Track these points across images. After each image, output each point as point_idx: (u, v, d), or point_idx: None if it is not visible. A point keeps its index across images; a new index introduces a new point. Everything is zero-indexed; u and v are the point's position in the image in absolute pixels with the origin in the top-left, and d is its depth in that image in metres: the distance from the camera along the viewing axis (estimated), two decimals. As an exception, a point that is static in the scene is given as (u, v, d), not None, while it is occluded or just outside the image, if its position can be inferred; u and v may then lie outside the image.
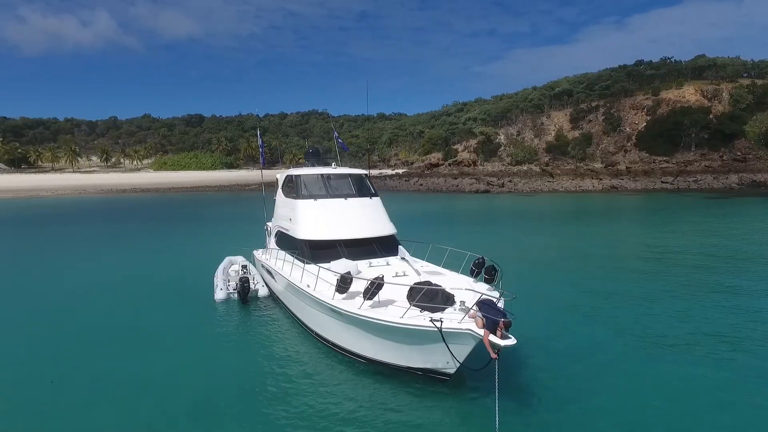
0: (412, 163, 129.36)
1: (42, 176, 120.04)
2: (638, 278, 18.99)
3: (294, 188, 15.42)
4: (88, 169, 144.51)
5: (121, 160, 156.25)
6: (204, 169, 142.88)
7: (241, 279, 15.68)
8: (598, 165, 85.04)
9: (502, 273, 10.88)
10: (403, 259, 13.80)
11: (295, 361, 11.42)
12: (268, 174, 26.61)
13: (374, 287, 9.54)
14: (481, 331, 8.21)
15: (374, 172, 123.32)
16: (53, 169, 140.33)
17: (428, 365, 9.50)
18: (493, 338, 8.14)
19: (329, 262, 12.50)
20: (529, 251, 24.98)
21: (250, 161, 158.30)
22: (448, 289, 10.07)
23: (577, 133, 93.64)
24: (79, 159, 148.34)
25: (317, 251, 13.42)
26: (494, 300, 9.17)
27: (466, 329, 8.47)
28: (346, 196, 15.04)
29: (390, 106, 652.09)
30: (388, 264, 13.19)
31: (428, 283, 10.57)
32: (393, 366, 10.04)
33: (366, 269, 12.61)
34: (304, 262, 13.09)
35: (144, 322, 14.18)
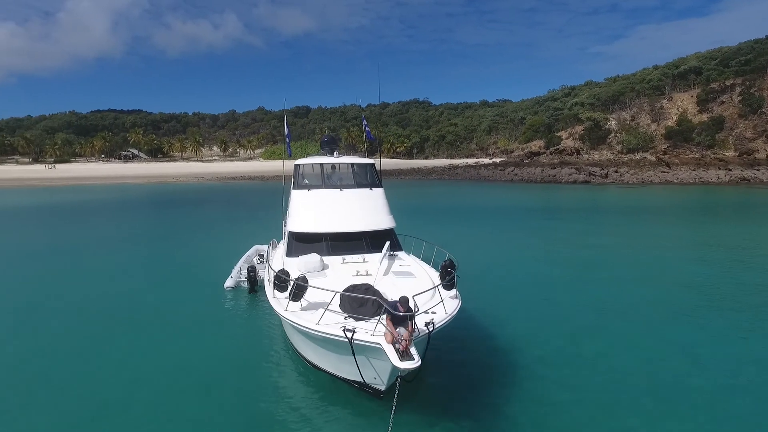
0: (512, 152, 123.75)
1: (171, 164, 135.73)
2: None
3: (294, 178, 15.06)
4: (209, 158, 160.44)
5: (237, 150, 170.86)
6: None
7: (248, 268, 15.69)
8: (730, 153, 73.78)
9: (457, 274, 10.05)
10: (392, 255, 12.70)
11: (276, 355, 11.20)
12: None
13: (294, 287, 8.99)
14: (389, 347, 7.23)
15: (470, 161, 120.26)
16: (181, 158, 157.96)
17: (357, 378, 8.49)
18: (392, 357, 7.05)
19: (326, 251, 12.38)
20: (667, 264, 19.98)
21: (351, 150, 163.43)
22: (391, 296, 9.08)
23: (705, 117, 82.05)
24: (202, 149, 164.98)
25: (301, 244, 12.92)
26: (407, 310, 7.90)
27: (376, 343, 7.46)
28: (342, 186, 14.36)
29: (494, 92, 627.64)
30: (365, 261, 12.24)
31: (367, 286, 9.53)
32: (332, 375, 9.32)
33: (338, 265, 11.89)
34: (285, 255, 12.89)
35: (154, 302, 15.04)
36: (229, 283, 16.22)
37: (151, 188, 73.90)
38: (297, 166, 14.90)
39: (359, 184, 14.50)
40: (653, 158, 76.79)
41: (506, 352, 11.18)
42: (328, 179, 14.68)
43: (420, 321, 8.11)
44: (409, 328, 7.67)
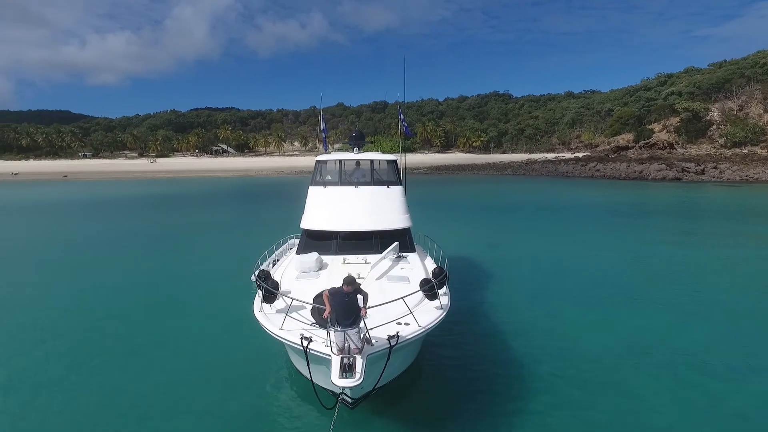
0: (596, 146, 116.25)
1: (256, 159, 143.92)
2: None
3: (313, 174, 14.89)
4: (290, 153, 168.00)
5: (317, 145, 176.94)
6: (382, 152, 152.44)
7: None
8: None
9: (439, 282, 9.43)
10: (400, 257, 12.17)
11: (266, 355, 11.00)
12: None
13: (263, 290, 9.01)
14: (337, 360, 6.87)
15: (549, 156, 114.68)
16: (265, 153, 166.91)
17: (326, 386, 8.01)
18: (334, 371, 6.62)
19: (323, 252, 12.23)
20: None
21: (426, 145, 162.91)
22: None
23: (830, 106, 71.42)
24: (284, 144, 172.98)
25: (312, 241, 12.83)
26: (352, 291, 7.55)
27: (327, 354, 7.16)
28: (357, 184, 14.03)
29: (581, 83, 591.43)
30: (366, 262, 11.84)
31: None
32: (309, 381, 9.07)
33: (338, 266, 11.61)
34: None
35: (180, 292, 16.11)
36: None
37: (236, 181, 79.11)
38: (317, 163, 14.77)
39: (377, 182, 14.15)
40: (764, 152, 68.29)
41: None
42: (346, 176, 14.43)
43: (384, 332, 7.61)
44: (358, 339, 7.16)
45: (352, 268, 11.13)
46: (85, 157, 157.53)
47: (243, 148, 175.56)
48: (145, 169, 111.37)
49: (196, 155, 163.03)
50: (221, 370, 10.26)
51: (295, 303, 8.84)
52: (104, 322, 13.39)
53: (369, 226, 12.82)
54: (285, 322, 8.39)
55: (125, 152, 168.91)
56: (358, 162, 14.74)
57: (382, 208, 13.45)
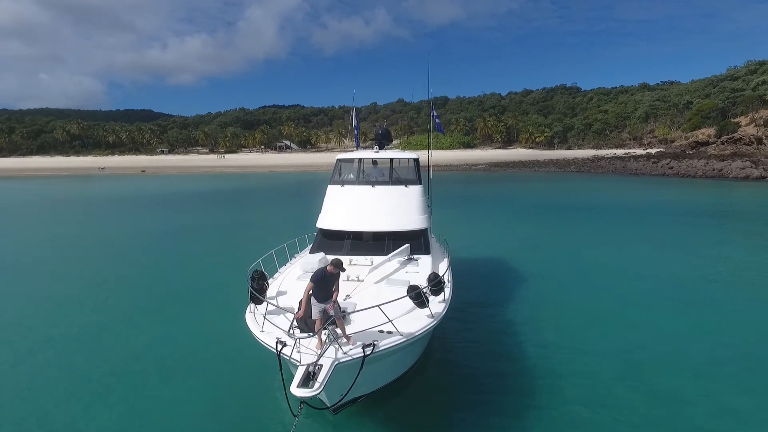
0: (672, 141, 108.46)
1: (317, 154, 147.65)
2: None
3: (333, 172, 14.68)
4: (351, 149, 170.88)
5: (340, 143, 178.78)
6: (442, 149, 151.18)
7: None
8: None
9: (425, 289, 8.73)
10: (410, 260, 11.75)
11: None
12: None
13: (249, 290, 9.03)
14: (302, 369, 6.62)
15: (618, 152, 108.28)
16: (326, 149, 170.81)
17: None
18: (295, 378, 6.39)
19: (334, 252, 12.07)
20: None
21: (487, 140, 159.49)
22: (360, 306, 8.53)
23: None
24: (344, 140, 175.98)
25: (326, 240, 12.79)
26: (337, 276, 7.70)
27: (297, 360, 6.92)
28: (374, 183, 13.72)
29: (658, 73, 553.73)
30: (371, 263, 11.51)
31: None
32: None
33: (346, 266, 11.18)
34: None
35: (204, 285, 16.60)
36: None
37: (297, 176, 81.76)
38: (337, 161, 14.66)
39: (395, 181, 13.83)
40: None
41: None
42: (364, 175, 14.24)
43: (360, 340, 7.33)
44: (319, 339, 7.07)
45: (355, 270, 10.93)
46: (162, 153, 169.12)
47: (305, 144, 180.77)
48: (213, 165, 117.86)
49: (261, 151, 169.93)
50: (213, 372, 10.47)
51: (281, 305, 8.95)
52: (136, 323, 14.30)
53: (381, 226, 12.54)
54: (267, 324, 8.24)
55: (197, 148, 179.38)
56: (376, 161, 14.51)
57: (397, 208, 13.09)
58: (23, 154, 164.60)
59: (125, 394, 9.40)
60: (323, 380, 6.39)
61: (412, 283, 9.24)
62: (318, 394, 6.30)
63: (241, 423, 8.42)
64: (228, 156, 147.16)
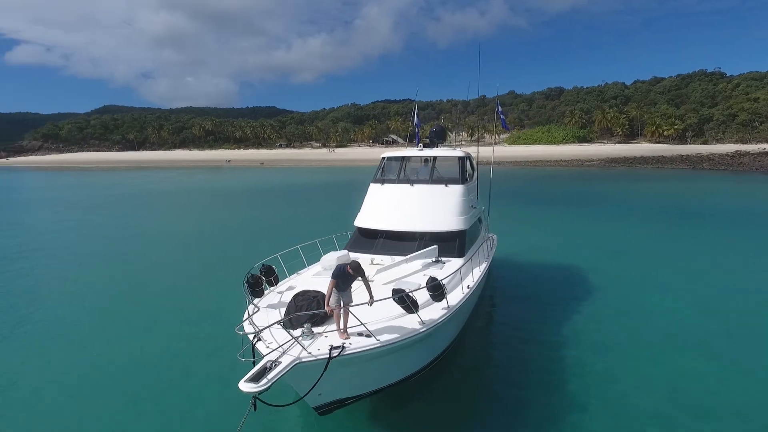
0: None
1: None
2: None
3: (376, 170, 14.42)
4: (457, 144, 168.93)
5: (483, 135, 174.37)
6: (554, 143, 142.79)
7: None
8: None
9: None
10: (437, 262, 11.16)
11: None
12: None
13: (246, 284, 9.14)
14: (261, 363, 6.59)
15: (753, 147, 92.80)
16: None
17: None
18: (248, 374, 6.34)
19: (364, 250, 12.21)
20: None
21: (606, 134, 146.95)
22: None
23: None
24: (450, 134, 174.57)
25: (361, 238, 12.74)
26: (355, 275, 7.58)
27: (264, 356, 6.89)
28: (414, 182, 13.33)
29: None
30: (390, 263, 11.17)
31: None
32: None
33: (367, 266, 10.93)
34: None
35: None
36: None
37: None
38: (382, 159, 14.52)
39: (435, 180, 13.36)
40: None
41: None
42: (405, 174, 13.98)
43: (327, 342, 7.17)
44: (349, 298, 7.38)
45: (374, 270, 10.76)
46: (280, 146, 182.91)
47: (412, 138, 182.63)
48: (324, 158, 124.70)
49: (369, 145, 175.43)
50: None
51: (274, 300, 9.17)
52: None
53: (413, 226, 12.29)
54: (258, 318, 8.37)
55: (311, 142, 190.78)
56: (425, 159, 14.18)
57: (433, 208, 12.69)
58: (168, 148, 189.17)
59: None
60: (272, 378, 6.26)
61: (410, 288, 8.74)
62: (262, 391, 6.09)
63: (191, 415, 8.73)
64: (337, 150, 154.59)
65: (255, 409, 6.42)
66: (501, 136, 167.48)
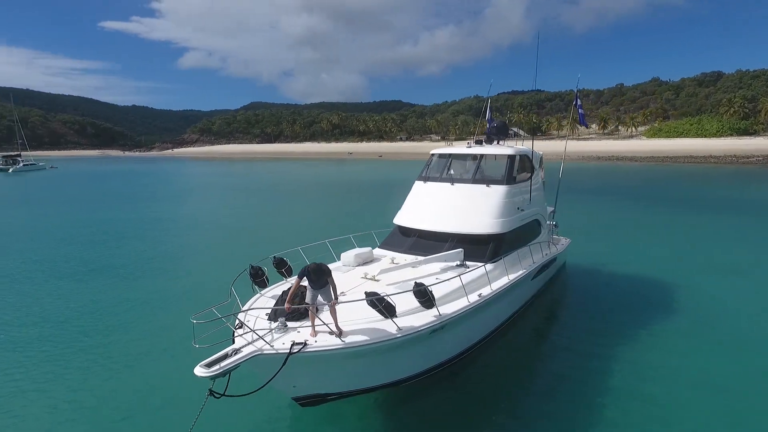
0: None
1: (546, 142, 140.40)
2: None
3: (424, 167, 13.99)
4: (585, 136, 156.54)
5: (618, 127, 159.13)
6: (705, 136, 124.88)
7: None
8: None
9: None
10: (461, 265, 10.63)
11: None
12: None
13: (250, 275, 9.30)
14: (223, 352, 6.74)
15: None
16: (557, 137, 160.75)
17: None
18: (203, 362, 6.45)
19: (394, 249, 12.13)
20: None
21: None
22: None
23: None
24: (578, 127, 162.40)
25: (397, 236, 12.64)
26: (317, 280, 7.42)
27: (233, 347, 6.96)
28: (455, 180, 12.80)
29: None
30: (413, 266, 10.77)
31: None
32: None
33: (380, 264, 11.08)
34: None
35: None
36: None
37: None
38: (430, 155, 14.07)
39: (477, 180, 12.58)
40: None
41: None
42: (449, 172, 13.39)
43: (291, 339, 7.14)
44: (327, 296, 7.36)
45: (376, 269, 10.61)
46: (400, 140, 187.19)
47: (535, 132, 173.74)
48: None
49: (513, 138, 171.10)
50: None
51: (276, 292, 9.29)
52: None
53: (443, 226, 11.86)
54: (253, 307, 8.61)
55: (431, 136, 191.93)
56: (477, 156, 13.44)
57: (469, 209, 12.09)
58: (300, 141, 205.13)
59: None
60: (226, 365, 6.37)
61: (436, 293, 8.46)
62: (215, 376, 6.25)
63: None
64: (456, 143, 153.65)
65: (215, 396, 6.62)
66: (638, 128, 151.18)
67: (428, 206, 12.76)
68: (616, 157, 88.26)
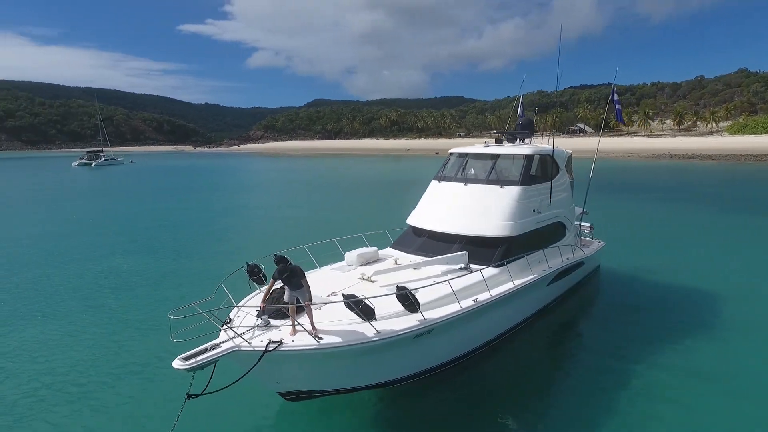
0: None
1: (614, 139, 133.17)
2: None
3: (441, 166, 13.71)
4: (660, 133, 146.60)
5: (696, 123, 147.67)
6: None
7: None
8: None
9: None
10: (465, 268, 10.32)
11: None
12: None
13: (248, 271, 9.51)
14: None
15: None
16: (627, 133, 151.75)
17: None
18: (182, 355, 6.64)
19: (403, 249, 12.06)
20: None
21: None
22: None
23: None
24: (650, 122, 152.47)
25: (408, 236, 12.52)
26: (281, 271, 7.53)
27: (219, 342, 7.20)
28: (468, 180, 12.45)
29: None
30: (414, 268, 10.57)
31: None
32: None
33: (382, 264, 10.96)
34: None
35: None
36: None
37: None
38: (449, 154, 13.68)
39: (491, 180, 12.11)
40: None
41: None
42: (464, 171, 12.95)
43: (270, 337, 7.31)
44: (301, 297, 7.52)
45: (378, 269, 10.44)
46: (459, 136, 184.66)
47: (602, 128, 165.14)
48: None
49: (549, 135, 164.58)
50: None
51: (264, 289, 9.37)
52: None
53: (451, 228, 11.57)
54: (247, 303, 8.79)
55: (491, 132, 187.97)
56: (496, 156, 12.92)
57: (478, 210, 11.67)
58: (359, 137, 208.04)
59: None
60: (202, 359, 6.59)
61: (425, 297, 8.42)
62: (190, 369, 6.46)
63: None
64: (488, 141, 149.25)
65: (192, 398, 6.89)
66: (719, 124, 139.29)
67: (439, 206, 12.56)
68: (692, 155, 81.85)
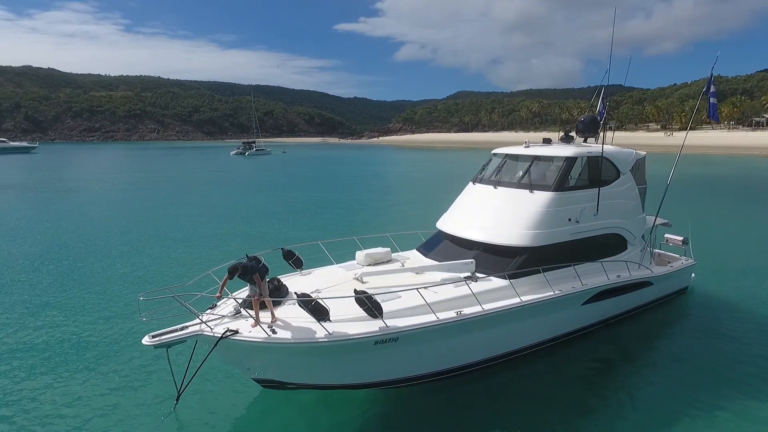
0: None
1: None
2: None
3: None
4: None
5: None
6: None
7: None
8: None
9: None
10: (471, 276, 9.67)
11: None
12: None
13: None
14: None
15: None
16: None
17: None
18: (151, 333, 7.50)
19: (423, 252, 11.80)
20: None
21: None
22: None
23: None
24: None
25: (431, 240, 12.17)
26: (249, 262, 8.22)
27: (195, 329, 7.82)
28: (498, 183, 11.66)
29: None
30: (416, 272, 10.22)
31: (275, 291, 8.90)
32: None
33: (395, 267, 10.75)
34: None
35: None
36: None
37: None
38: (491, 155, 12.73)
39: (522, 184, 11.01)
40: None
41: None
42: (498, 173, 12.04)
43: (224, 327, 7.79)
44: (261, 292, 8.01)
45: (388, 274, 10.16)
46: (610, 129, 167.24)
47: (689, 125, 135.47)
48: (659, 143, 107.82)
49: (729, 128, 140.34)
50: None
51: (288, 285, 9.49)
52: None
53: (468, 233, 11.01)
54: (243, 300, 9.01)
55: (648, 124, 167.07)
56: (524, 157, 11.97)
57: (501, 216, 10.87)
58: (497, 130, 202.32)
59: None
60: (167, 338, 7.34)
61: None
62: (154, 345, 7.23)
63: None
64: (677, 134, 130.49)
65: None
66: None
67: (466, 210, 12.00)
68: None
